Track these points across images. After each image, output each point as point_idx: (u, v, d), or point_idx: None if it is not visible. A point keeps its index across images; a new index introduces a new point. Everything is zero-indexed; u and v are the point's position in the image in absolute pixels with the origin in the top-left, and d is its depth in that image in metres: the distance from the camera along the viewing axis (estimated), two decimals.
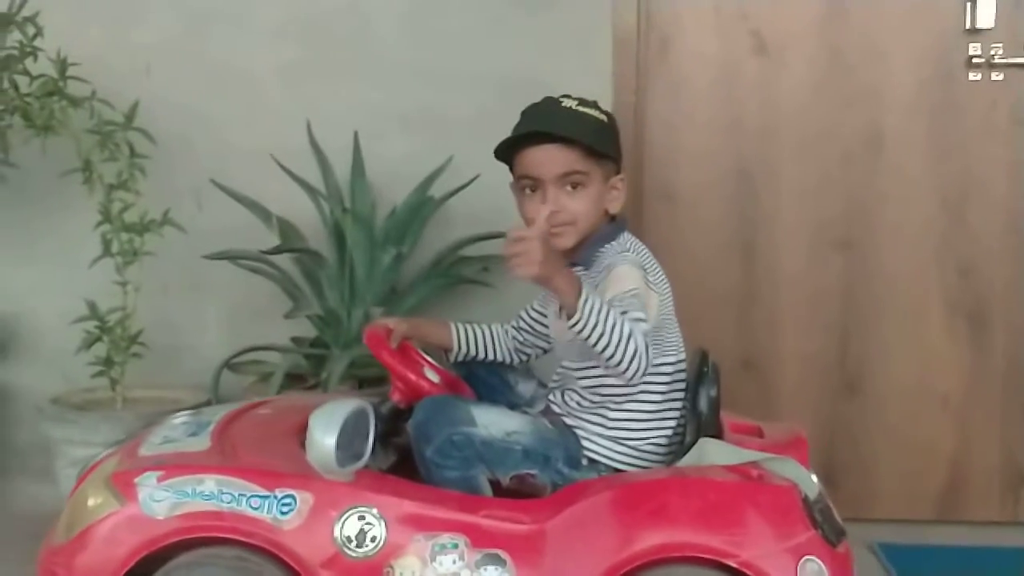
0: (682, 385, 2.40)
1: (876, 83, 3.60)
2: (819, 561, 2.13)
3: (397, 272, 3.35)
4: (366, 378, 3.22)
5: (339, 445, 2.09)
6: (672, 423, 2.39)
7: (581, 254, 2.38)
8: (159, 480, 2.19)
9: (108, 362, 3.37)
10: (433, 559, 2.12)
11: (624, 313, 2.17)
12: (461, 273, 3.44)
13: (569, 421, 2.38)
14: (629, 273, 2.26)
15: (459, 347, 2.59)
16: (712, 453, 2.28)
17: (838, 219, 3.64)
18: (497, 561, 2.11)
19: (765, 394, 3.69)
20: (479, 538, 2.13)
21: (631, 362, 2.14)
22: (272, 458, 2.23)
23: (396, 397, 2.38)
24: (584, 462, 2.35)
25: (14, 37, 3.17)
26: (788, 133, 3.64)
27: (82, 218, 3.48)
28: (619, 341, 2.12)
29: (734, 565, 2.10)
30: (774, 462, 2.28)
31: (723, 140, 3.65)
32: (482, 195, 3.48)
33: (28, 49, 3.18)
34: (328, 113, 3.60)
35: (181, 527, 2.16)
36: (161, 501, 2.17)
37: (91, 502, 2.24)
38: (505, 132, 3.61)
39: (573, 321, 2.13)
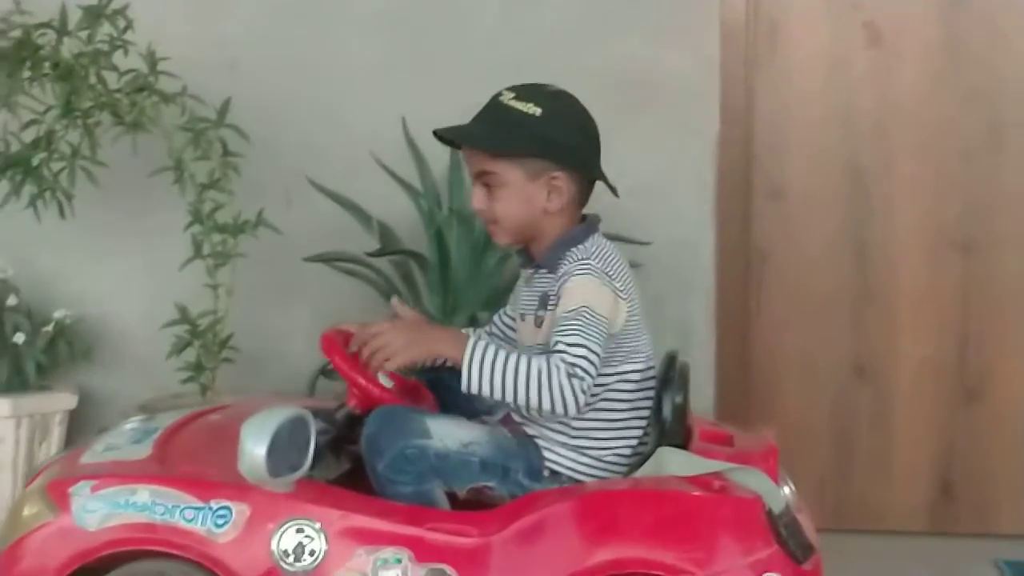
0: (650, 393, 2.27)
1: (999, 75, 3.42)
2: None
3: (500, 274, 3.20)
4: None
5: (271, 455, 1.98)
6: (638, 432, 2.26)
7: (545, 256, 2.26)
8: (93, 490, 2.11)
9: (198, 368, 3.25)
10: (375, 574, 2.02)
11: (555, 345, 2.07)
12: None
13: (530, 431, 2.24)
14: (582, 286, 2.14)
15: None
16: (671, 463, 2.14)
17: (957, 219, 3.46)
18: None
19: (878, 401, 3.52)
20: (423, 552, 2.03)
21: (549, 402, 2.06)
22: (212, 467, 2.14)
23: (352, 403, 2.25)
24: (546, 473, 2.23)
25: (103, 30, 3.05)
26: (903, 128, 3.46)
27: (170, 218, 3.37)
28: (524, 388, 2.06)
29: None
30: (738, 473, 2.12)
31: (835, 135, 3.48)
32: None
33: (118, 43, 3.06)
34: (422, 108, 3.45)
35: (112, 539, 2.08)
36: (94, 512, 2.09)
37: (26, 511, 2.18)
38: (606, 129, 3.44)
39: (464, 382, 2.09)
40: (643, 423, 2.26)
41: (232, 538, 2.05)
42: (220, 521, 2.06)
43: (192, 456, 2.22)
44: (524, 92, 2.28)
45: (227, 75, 3.47)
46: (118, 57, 3.14)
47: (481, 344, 2.11)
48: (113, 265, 3.61)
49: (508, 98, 2.27)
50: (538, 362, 2.07)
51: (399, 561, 2.03)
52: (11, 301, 3.39)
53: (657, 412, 2.20)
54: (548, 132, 2.23)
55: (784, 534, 2.04)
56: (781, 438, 3.48)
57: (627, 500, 2.09)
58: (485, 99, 3.46)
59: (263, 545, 2.05)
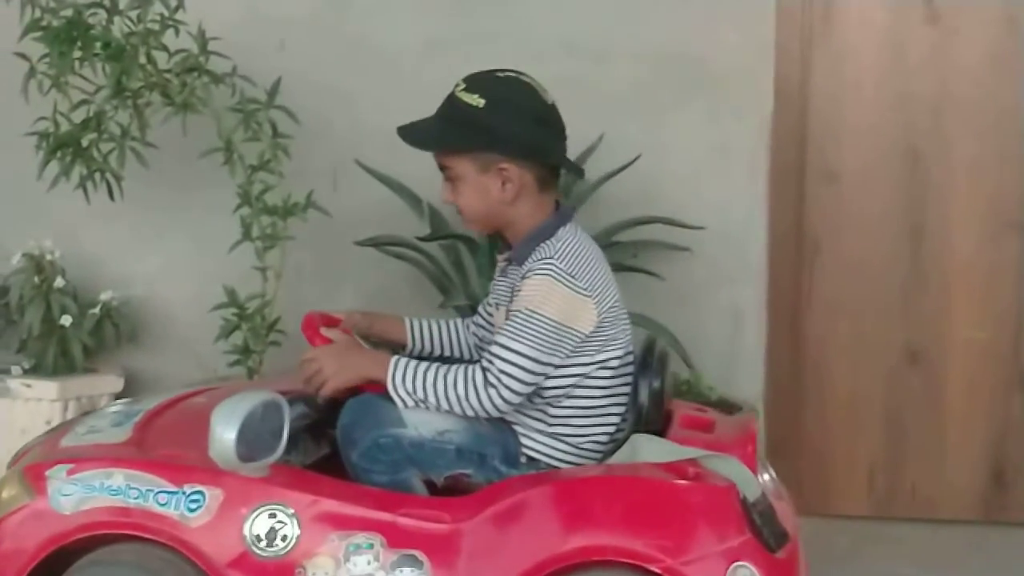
0: (628, 379, 2.27)
1: None
2: (752, 567, 1.98)
3: None
4: None
5: (241, 440, 1.97)
6: (616, 419, 2.27)
7: (516, 250, 2.28)
8: (68, 473, 2.12)
9: (246, 351, 3.22)
10: (347, 559, 2.03)
11: (489, 346, 2.14)
12: (618, 261, 3.24)
13: (508, 417, 2.24)
14: (535, 287, 2.15)
15: (413, 343, 2.49)
16: (645, 450, 2.13)
17: (1015, 200, 3.40)
18: (413, 562, 2.03)
19: (931, 388, 3.47)
20: (395, 538, 2.04)
21: (471, 410, 2.14)
22: (190, 451, 2.13)
23: None
24: (523, 460, 2.24)
25: (155, 9, 3.02)
26: (961, 108, 3.40)
27: (217, 200, 3.34)
28: (443, 396, 2.14)
29: (657, 571, 1.97)
30: (713, 460, 2.11)
31: (891, 115, 3.43)
32: (629, 176, 3.29)
33: (169, 23, 3.03)
34: None
35: (86, 523, 2.09)
36: (69, 495, 2.11)
37: (4, 494, 2.19)
38: (660, 109, 3.45)
39: (395, 400, 2.16)
40: (621, 410, 2.27)
41: (205, 522, 2.06)
42: (193, 506, 2.07)
43: (171, 440, 2.22)
44: (472, 82, 2.28)
45: (275, 55, 3.44)
46: (167, 37, 3.11)
47: (402, 364, 2.17)
48: (159, 247, 3.59)
49: (459, 89, 2.27)
50: (455, 375, 2.13)
51: (371, 546, 2.04)
52: (58, 283, 3.38)
53: (634, 398, 2.20)
54: (492, 123, 2.21)
55: (758, 522, 2.04)
56: (831, 425, 3.52)
57: (597, 487, 2.08)
58: (535, 79, 3.47)
59: (235, 530, 2.06)
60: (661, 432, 2.20)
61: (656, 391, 2.20)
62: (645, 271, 3.22)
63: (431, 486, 2.21)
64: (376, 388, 2.21)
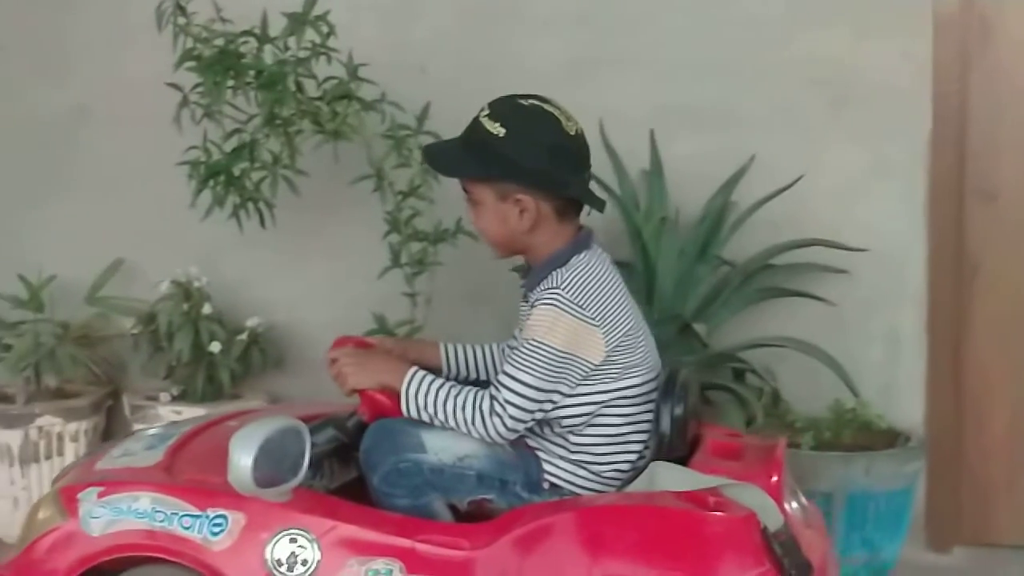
0: (651, 407, 2.24)
1: None
2: None
3: (709, 284, 3.10)
4: None
5: (257, 466, 1.99)
6: (638, 447, 2.24)
7: (530, 278, 2.27)
8: (99, 496, 2.18)
9: None
10: None
11: (497, 376, 2.16)
12: (773, 285, 3.17)
13: (531, 443, 2.24)
14: (541, 318, 2.15)
15: (448, 367, 2.48)
16: (663, 478, 2.10)
17: None
18: None
19: None
20: (414, 564, 2.04)
21: (476, 434, 2.15)
22: (214, 476, 2.12)
23: (362, 410, 2.28)
24: (545, 486, 2.22)
25: (307, 37, 3.01)
26: None
27: (358, 226, 3.35)
28: (451, 416, 2.15)
29: None
30: (734, 488, 2.05)
31: None
32: (779, 197, 3.21)
33: (321, 50, 3.02)
34: (615, 110, 3.36)
35: (114, 545, 2.13)
36: (99, 518, 2.16)
37: (40, 515, 2.25)
38: (813, 128, 3.35)
39: (403, 409, 2.19)
40: (644, 437, 2.23)
41: (227, 546, 2.08)
42: (216, 529, 2.10)
43: (198, 464, 2.24)
44: (495, 110, 2.25)
45: (418, 79, 3.42)
46: (327, 64, 3.11)
47: (418, 377, 2.20)
48: (302, 273, 3.59)
49: (483, 115, 2.25)
50: (464, 399, 2.15)
51: (390, 572, 2.04)
52: (206, 309, 3.40)
53: (656, 425, 2.18)
54: (510, 153, 2.19)
55: (779, 552, 1.98)
56: (994, 453, 3.39)
57: (612, 516, 2.06)
58: (678, 99, 3.42)
59: (257, 554, 2.07)
60: (685, 459, 2.18)
61: (678, 418, 2.17)
62: (809, 295, 3.15)
63: (456, 511, 2.22)
64: (391, 398, 2.21)
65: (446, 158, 2.32)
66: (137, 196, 3.68)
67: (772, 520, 2.01)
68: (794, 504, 2.17)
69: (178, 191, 3.33)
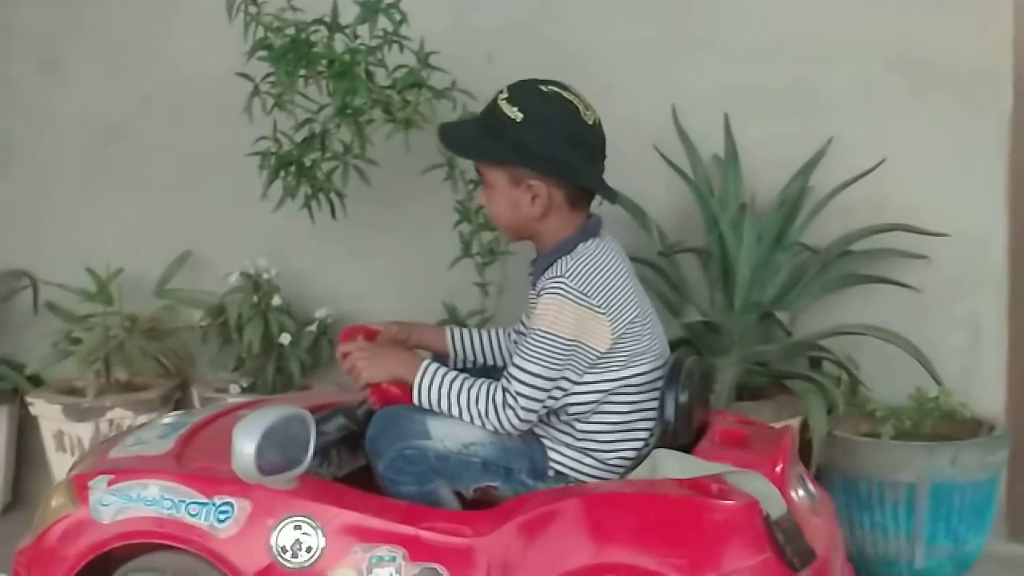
0: (657, 395, 2.24)
1: None
2: None
3: (788, 271, 3.04)
4: (756, 387, 2.94)
5: (260, 453, 2.01)
6: (644, 434, 2.23)
7: (537, 265, 2.28)
8: (109, 484, 2.20)
9: None
10: (370, 571, 2.06)
11: (508, 366, 2.15)
12: (860, 271, 3.10)
13: (537, 430, 2.24)
14: (547, 307, 2.15)
15: (455, 352, 2.49)
16: (665, 466, 2.11)
17: None
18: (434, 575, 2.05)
19: None
20: (417, 551, 2.06)
21: (490, 425, 2.16)
22: (222, 463, 2.13)
23: (372, 399, 2.30)
24: (551, 473, 2.23)
25: (379, 25, 2.98)
26: None
27: (425, 216, 3.31)
28: (465, 409, 2.17)
29: None
30: (737, 476, 2.05)
31: None
32: (856, 182, 3.15)
33: (394, 38, 2.99)
34: (687, 94, 3.31)
35: (122, 532, 2.17)
36: (108, 505, 2.19)
37: (54, 503, 2.29)
38: (890, 110, 3.28)
39: (416, 402, 2.20)
40: (650, 425, 2.23)
41: (233, 533, 2.11)
42: (222, 516, 2.12)
43: (208, 452, 2.26)
44: (515, 93, 2.23)
45: (483, 67, 3.37)
46: (399, 52, 3.08)
47: (431, 370, 2.21)
48: (370, 263, 3.57)
49: (501, 98, 2.24)
50: (478, 391, 2.16)
51: (393, 559, 2.06)
52: (275, 301, 3.39)
53: (660, 413, 2.19)
54: (526, 139, 2.18)
55: (781, 540, 1.98)
56: None
57: (613, 503, 2.06)
58: (754, 83, 3.35)
59: (262, 541, 2.10)
60: (690, 447, 2.17)
61: (683, 406, 2.17)
62: (894, 281, 3.09)
63: (462, 498, 2.23)
64: (404, 390, 2.23)
65: (462, 139, 2.31)
66: (203, 188, 3.68)
67: (775, 508, 2.02)
68: (800, 492, 2.18)
69: (245, 183, 3.32)
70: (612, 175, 3.25)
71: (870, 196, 3.19)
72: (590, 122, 2.21)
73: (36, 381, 3.71)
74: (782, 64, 3.27)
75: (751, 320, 2.94)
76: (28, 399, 3.58)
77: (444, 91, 3.10)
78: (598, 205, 2.32)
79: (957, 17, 3.18)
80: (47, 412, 3.49)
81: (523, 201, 2.21)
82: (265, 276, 3.42)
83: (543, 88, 2.22)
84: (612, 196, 2.27)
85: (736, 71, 3.30)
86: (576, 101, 2.21)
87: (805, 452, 3.03)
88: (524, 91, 2.23)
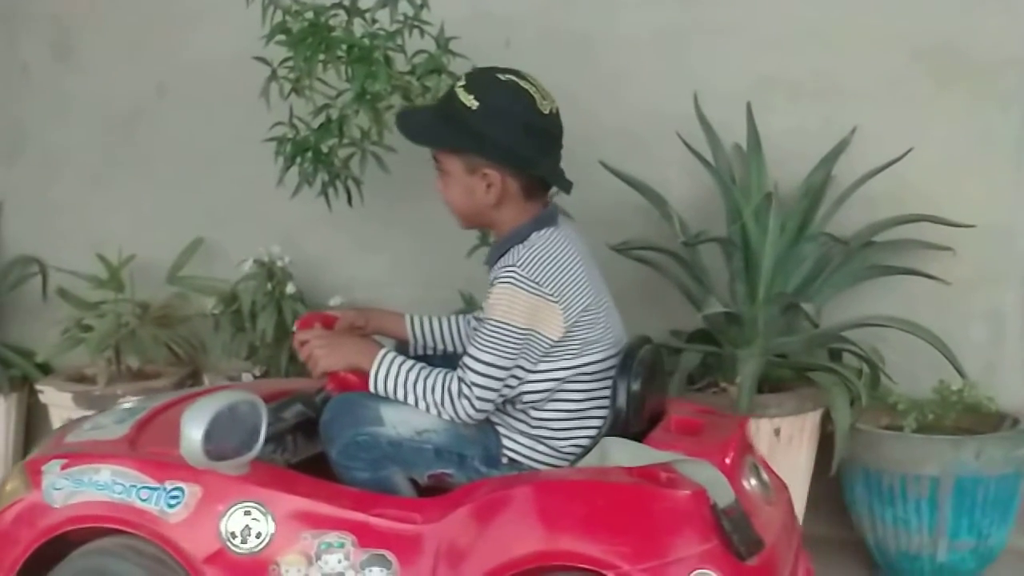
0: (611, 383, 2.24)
1: None
2: (715, 575, 1.93)
3: (812, 262, 3.00)
4: (778, 380, 2.91)
5: (208, 439, 2.03)
6: (598, 422, 2.24)
7: (490, 253, 2.29)
8: (62, 468, 2.21)
9: None
10: (319, 557, 2.07)
11: (463, 356, 2.15)
12: (883, 262, 3.07)
13: (492, 418, 2.25)
14: (499, 296, 2.16)
15: (414, 339, 2.50)
16: (615, 453, 2.12)
17: None
18: (382, 562, 2.06)
19: None
20: (366, 537, 2.08)
21: (446, 415, 2.17)
22: (175, 448, 2.12)
23: (330, 386, 2.31)
24: (504, 461, 2.24)
25: (400, 9, 2.94)
26: None
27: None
28: (420, 398, 2.17)
29: None
30: (686, 464, 2.05)
31: None
32: (880, 173, 3.11)
33: (415, 23, 2.95)
34: (709, 82, 3.26)
35: (73, 516, 2.17)
36: (60, 490, 2.19)
37: (8, 486, 2.29)
38: (915, 100, 3.24)
39: (372, 389, 2.20)
40: (604, 412, 2.23)
41: (183, 518, 2.11)
42: (173, 502, 2.13)
43: (162, 437, 2.24)
44: (472, 81, 2.23)
45: (501, 53, 3.33)
46: (420, 37, 3.04)
47: (387, 359, 2.21)
48: (384, 251, 3.54)
49: (459, 86, 2.24)
50: (434, 381, 2.17)
51: (342, 545, 2.07)
52: (289, 289, 3.35)
53: (612, 401, 2.18)
54: (482, 127, 2.18)
55: (727, 528, 1.98)
56: None
57: (559, 491, 2.07)
58: (777, 71, 3.30)
59: (211, 526, 2.10)
60: (641, 435, 2.16)
61: (635, 394, 2.17)
62: (921, 273, 3.06)
63: (417, 485, 2.24)
64: (362, 378, 2.23)
65: (418, 125, 2.31)
66: (216, 175, 3.65)
67: (722, 496, 2.01)
68: (753, 481, 2.17)
69: (258, 169, 3.29)
70: (633, 163, 3.26)
71: (894, 187, 3.16)
72: (546, 111, 2.21)
73: (46, 369, 3.69)
74: (806, 53, 3.24)
75: (774, 311, 2.91)
76: (38, 387, 3.55)
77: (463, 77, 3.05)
78: (555, 194, 2.31)
79: (982, 8, 3.15)
80: (57, 400, 3.45)
81: (478, 189, 2.22)
82: (279, 263, 3.38)
83: (500, 77, 2.22)
84: (567, 187, 2.27)
85: (759, 59, 3.27)
86: (533, 91, 2.20)
87: (827, 445, 3.01)
88: (481, 80, 2.23)
